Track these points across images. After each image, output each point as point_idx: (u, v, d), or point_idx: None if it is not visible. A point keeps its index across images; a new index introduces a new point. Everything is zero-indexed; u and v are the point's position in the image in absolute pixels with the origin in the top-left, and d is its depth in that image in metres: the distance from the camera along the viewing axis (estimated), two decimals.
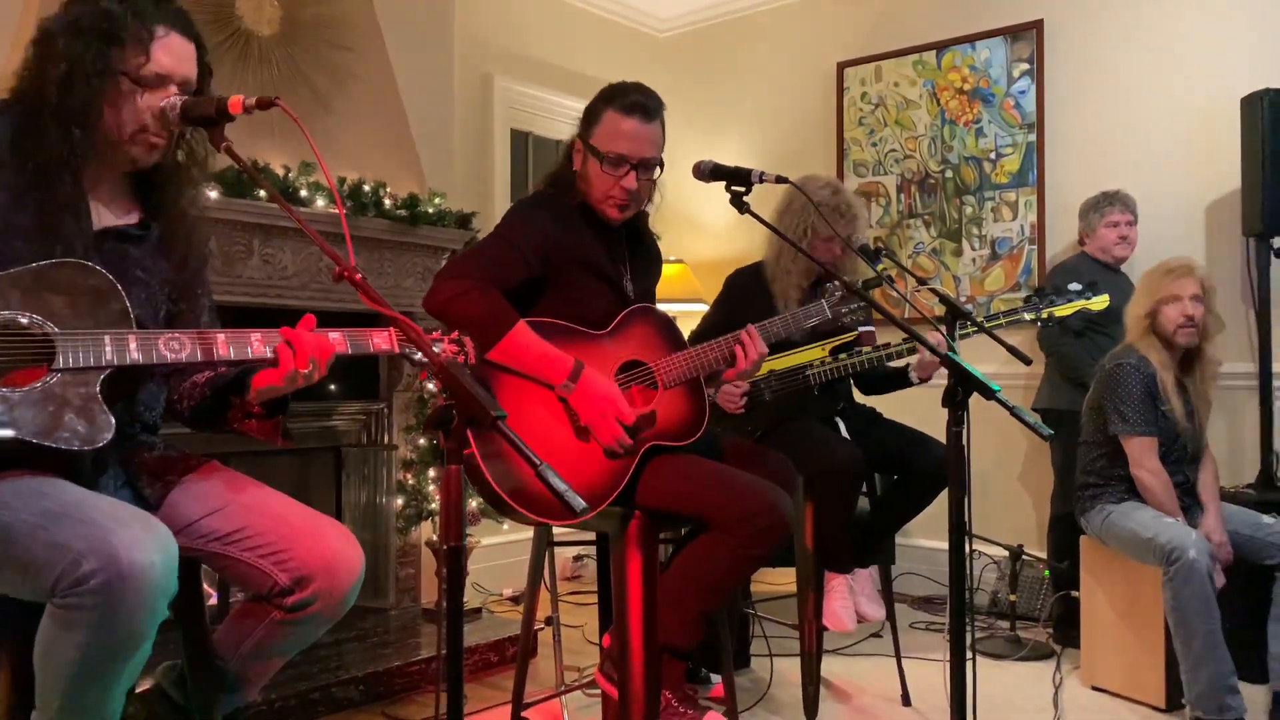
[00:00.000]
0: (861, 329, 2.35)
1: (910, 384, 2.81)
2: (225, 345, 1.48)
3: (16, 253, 1.43)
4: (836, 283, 2.18)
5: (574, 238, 2.10)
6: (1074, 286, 2.60)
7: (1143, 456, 2.82)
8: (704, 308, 3.18)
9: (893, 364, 2.74)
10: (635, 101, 2.06)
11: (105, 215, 1.58)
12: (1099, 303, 2.60)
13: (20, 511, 1.35)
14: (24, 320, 1.38)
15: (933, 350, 1.84)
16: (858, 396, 3.00)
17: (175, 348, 1.45)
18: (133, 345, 1.43)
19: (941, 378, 1.72)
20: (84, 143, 1.49)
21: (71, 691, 1.33)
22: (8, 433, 1.34)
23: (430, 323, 3.27)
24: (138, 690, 1.63)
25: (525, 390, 1.97)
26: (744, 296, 2.91)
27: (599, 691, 2.19)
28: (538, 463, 1.18)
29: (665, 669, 2.02)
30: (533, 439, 1.92)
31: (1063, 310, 2.57)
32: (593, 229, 2.14)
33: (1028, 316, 2.58)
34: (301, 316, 1.50)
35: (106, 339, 1.41)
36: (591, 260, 2.11)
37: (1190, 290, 2.83)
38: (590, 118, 2.11)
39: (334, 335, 1.53)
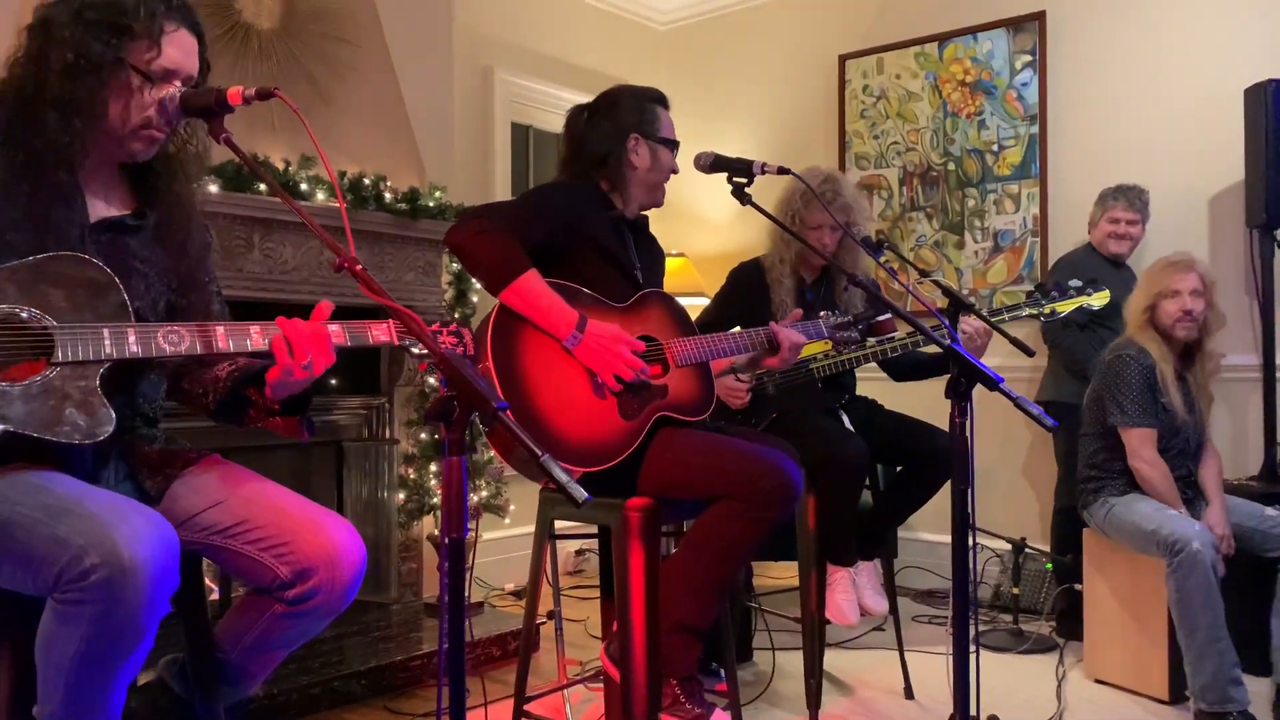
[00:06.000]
0: (881, 318, 2.36)
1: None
2: (225, 338, 1.47)
3: (11, 245, 1.42)
4: (834, 312, 2.33)
5: (593, 221, 2.19)
6: (1075, 283, 2.62)
7: (1141, 447, 2.81)
8: (705, 301, 3.17)
9: (926, 349, 2.70)
10: (665, 98, 2.35)
11: (101, 206, 1.56)
12: (1100, 298, 2.61)
13: (21, 506, 1.34)
14: (23, 314, 1.38)
15: (936, 342, 1.83)
16: (860, 389, 2.99)
17: (174, 340, 1.44)
18: (131, 338, 1.42)
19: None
20: (83, 133, 1.48)
21: (73, 685, 1.33)
22: (11, 428, 1.33)
23: (430, 315, 3.26)
24: (140, 683, 1.63)
25: (550, 346, 2.02)
26: (744, 291, 2.91)
27: (601, 685, 2.19)
28: (540, 454, 1.17)
29: (681, 653, 2.02)
30: (554, 393, 1.98)
31: (1064, 306, 2.58)
32: (609, 219, 2.23)
33: (1029, 312, 2.59)
34: (305, 310, 1.49)
35: (105, 332, 1.41)
36: (607, 245, 2.18)
37: (1190, 285, 2.82)
38: (648, 114, 2.27)
39: (333, 328, 1.52)
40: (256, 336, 1.48)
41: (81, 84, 1.47)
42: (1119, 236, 3.54)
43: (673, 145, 2.29)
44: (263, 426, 1.59)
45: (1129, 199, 3.53)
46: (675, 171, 2.33)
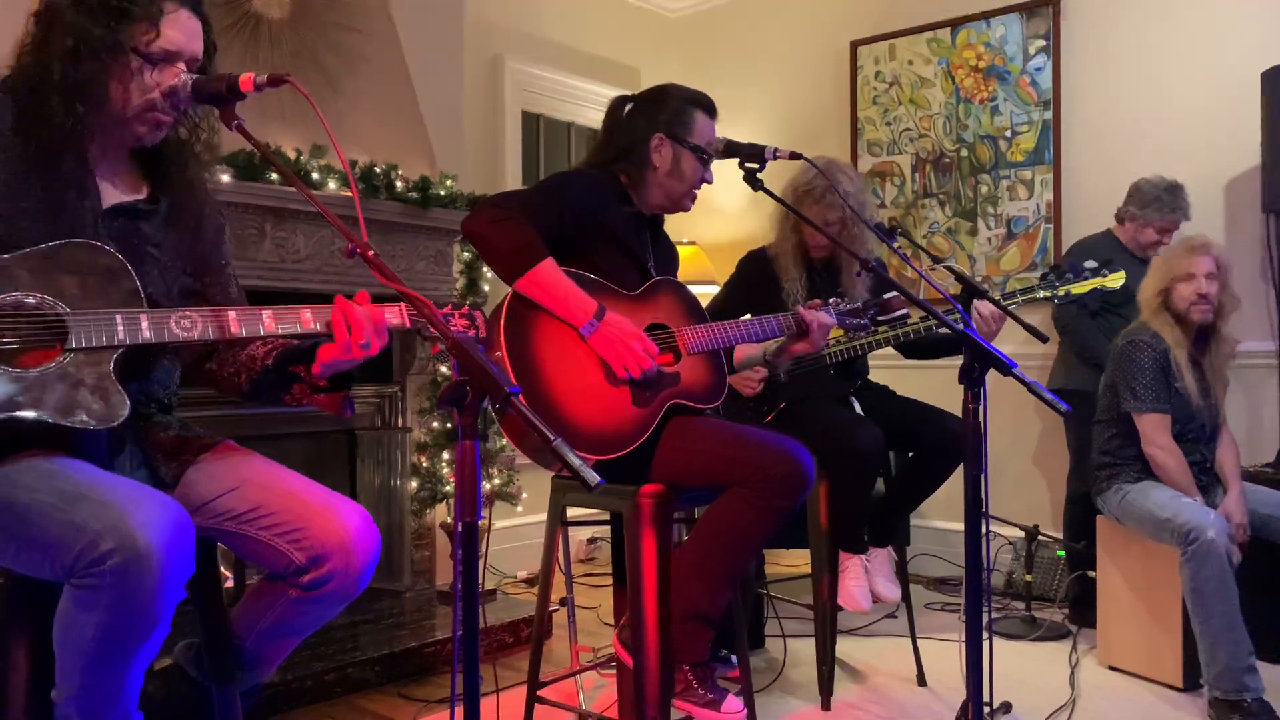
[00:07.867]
0: (888, 295, 2.33)
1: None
2: (237, 322, 1.47)
3: (25, 234, 1.42)
4: (841, 298, 2.30)
5: (610, 213, 2.17)
6: (1090, 264, 2.59)
7: (1154, 433, 2.80)
8: (717, 289, 3.16)
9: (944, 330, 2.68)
10: (712, 105, 2.26)
11: (113, 192, 1.57)
12: (1115, 279, 2.58)
13: (38, 492, 1.35)
14: (32, 301, 1.38)
15: (949, 326, 1.82)
16: (872, 375, 2.98)
17: (187, 325, 1.45)
18: (144, 324, 1.43)
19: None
20: (89, 119, 1.48)
21: (91, 670, 1.34)
22: (30, 413, 1.34)
23: (441, 304, 3.27)
24: (156, 668, 1.64)
25: (563, 334, 2.01)
26: (752, 279, 2.91)
27: (614, 671, 2.19)
28: (552, 438, 1.17)
29: (693, 640, 2.02)
30: (567, 381, 1.98)
31: (1079, 288, 2.56)
32: (625, 213, 2.21)
33: (1044, 294, 2.57)
34: (316, 298, 1.50)
35: (118, 318, 1.41)
36: (622, 237, 2.17)
37: (1205, 268, 2.79)
38: (683, 116, 2.20)
39: (389, 311, 1.53)
40: (307, 319, 1.50)
41: (83, 68, 1.47)
42: (1162, 246, 3.36)
43: (700, 154, 2.18)
44: (306, 403, 1.60)
45: (1184, 211, 3.36)
46: (707, 181, 2.24)
